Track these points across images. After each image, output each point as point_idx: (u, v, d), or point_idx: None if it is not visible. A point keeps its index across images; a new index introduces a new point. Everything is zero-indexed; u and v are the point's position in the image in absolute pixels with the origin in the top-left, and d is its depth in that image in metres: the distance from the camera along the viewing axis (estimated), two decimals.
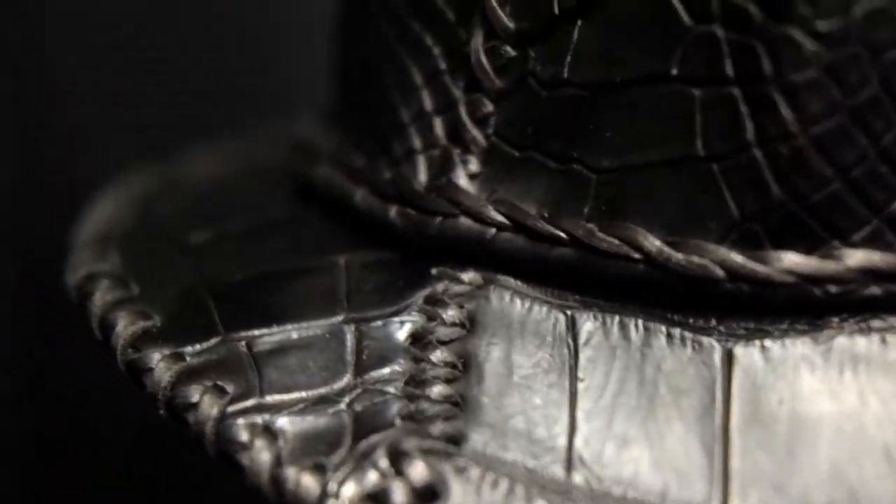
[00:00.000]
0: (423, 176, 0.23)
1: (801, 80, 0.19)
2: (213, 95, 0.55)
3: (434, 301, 0.22)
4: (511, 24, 0.22)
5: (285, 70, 0.54)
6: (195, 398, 0.21)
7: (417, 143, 0.23)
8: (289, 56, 0.53)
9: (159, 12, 0.53)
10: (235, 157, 0.32)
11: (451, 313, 0.22)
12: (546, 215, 0.21)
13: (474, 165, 0.22)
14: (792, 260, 0.20)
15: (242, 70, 0.55)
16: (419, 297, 0.22)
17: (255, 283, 0.23)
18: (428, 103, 0.23)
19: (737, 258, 0.20)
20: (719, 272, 0.20)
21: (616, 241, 0.21)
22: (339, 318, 0.22)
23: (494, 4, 0.22)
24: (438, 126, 0.23)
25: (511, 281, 0.22)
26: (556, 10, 0.21)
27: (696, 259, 0.20)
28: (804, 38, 0.19)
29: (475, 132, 0.22)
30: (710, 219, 0.20)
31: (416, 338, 0.21)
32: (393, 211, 0.23)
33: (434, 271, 0.22)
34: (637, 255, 0.20)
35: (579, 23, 0.21)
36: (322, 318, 0.22)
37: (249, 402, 0.21)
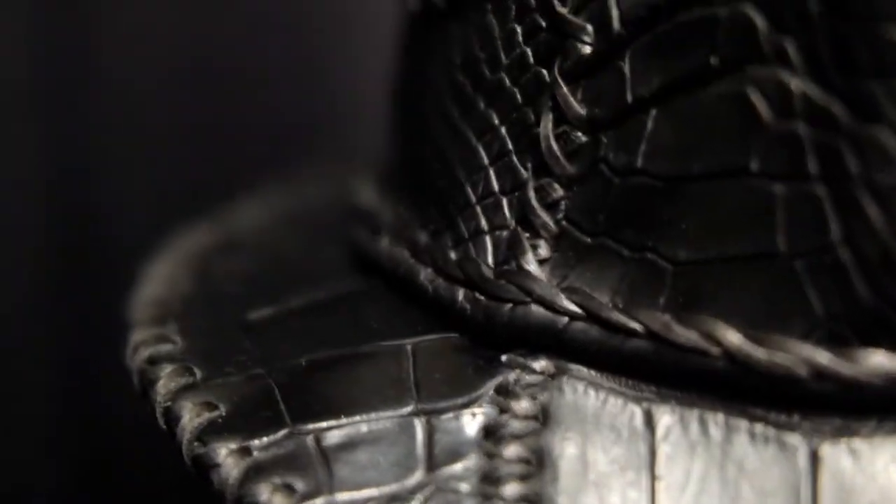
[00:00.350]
0: (490, 258, 0.23)
1: (890, 182, 0.19)
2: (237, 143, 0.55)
3: (506, 392, 0.21)
4: (583, 111, 0.21)
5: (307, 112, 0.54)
6: (264, 497, 0.20)
7: (484, 223, 0.23)
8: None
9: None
10: (284, 205, 0.32)
11: (523, 405, 0.21)
12: (620, 305, 0.21)
13: (544, 251, 0.22)
14: (880, 360, 0.19)
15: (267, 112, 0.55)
16: (490, 386, 0.22)
17: (320, 369, 0.23)
18: (495, 183, 0.23)
19: (822, 357, 0.19)
20: (804, 371, 0.19)
21: (694, 336, 0.20)
22: (409, 409, 0.22)
23: (565, 90, 0.21)
24: (506, 207, 0.23)
25: (584, 371, 0.21)
26: (630, 99, 0.21)
27: (778, 357, 0.20)
28: (892, 140, 0.18)
29: (545, 217, 0.22)
30: (792, 315, 0.20)
31: (489, 431, 0.21)
32: (460, 294, 0.23)
33: (504, 358, 0.22)
34: (716, 351, 0.20)
35: (653, 112, 0.21)
36: (391, 409, 0.22)
37: (319, 501, 0.20)
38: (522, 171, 0.22)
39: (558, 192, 0.22)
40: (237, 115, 0.57)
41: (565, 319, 0.21)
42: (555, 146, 0.22)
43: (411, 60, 0.26)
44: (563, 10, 0.21)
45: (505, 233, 0.22)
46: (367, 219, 0.26)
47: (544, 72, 0.22)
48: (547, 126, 0.22)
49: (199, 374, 0.23)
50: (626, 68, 0.21)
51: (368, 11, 0.54)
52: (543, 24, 0.22)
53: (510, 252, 0.22)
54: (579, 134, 0.21)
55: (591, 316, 0.21)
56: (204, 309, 0.26)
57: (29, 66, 0.54)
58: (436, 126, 0.25)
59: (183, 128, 0.57)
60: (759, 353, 0.20)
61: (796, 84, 0.19)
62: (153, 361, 0.23)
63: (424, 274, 0.24)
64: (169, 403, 0.22)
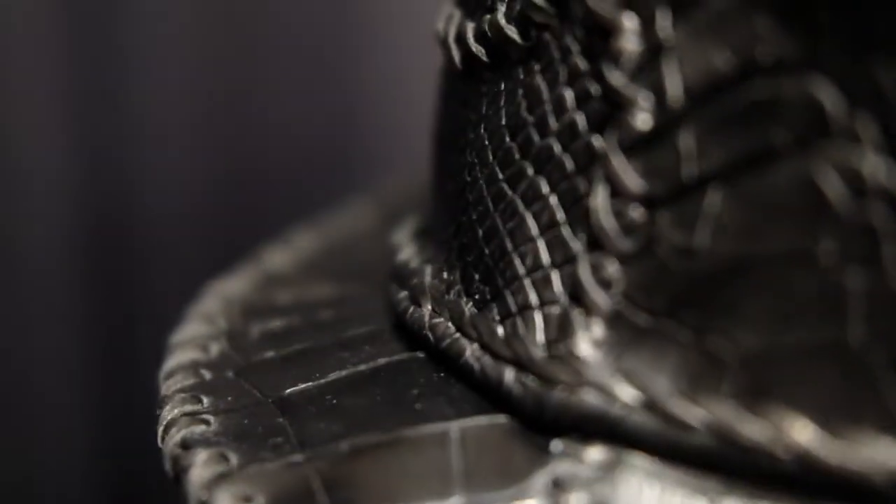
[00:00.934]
0: (540, 336, 0.21)
1: None
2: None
3: (558, 484, 0.20)
4: (639, 185, 0.20)
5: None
6: None
7: (533, 298, 0.22)
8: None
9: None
10: (320, 248, 0.31)
11: (577, 499, 0.20)
12: (680, 393, 0.20)
13: (598, 331, 0.21)
14: None
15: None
16: (541, 477, 0.20)
17: (362, 456, 0.22)
18: (545, 256, 0.22)
19: None
20: (879, 474, 0.18)
21: (761, 432, 0.19)
22: (456, 500, 0.20)
23: (620, 162, 0.20)
24: (557, 283, 0.21)
25: (642, 461, 0.20)
26: (689, 175, 0.20)
27: (852, 457, 0.18)
28: None
29: (599, 295, 0.21)
30: (865, 410, 0.19)
31: None
32: (508, 375, 0.21)
33: (556, 447, 0.21)
34: (785, 450, 0.19)
35: (714, 189, 0.19)
36: (438, 500, 0.20)
37: None
38: (574, 244, 0.21)
39: (613, 269, 0.21)
40: (267, 134, 0.56)
41: (621, 407, 0.20)
42: (609, 220, 0.20)
43: (453, 114, 0.25)
44: (619, 77, 0.20)
45: (555, 310, 0.21)
46: (406, 280, 0.25)
47: (597, 141, 0.21)
48: (600, 199, 0.21)
49: (234, 459, 0.22)
50: (685, 142, 0.20)
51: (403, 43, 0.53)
52: (596, 90, 0.21)
53: (561, 331, 0.21)
54: (635, 208, 0.20)
55: (649, 405, 0.20)
56: (238, 379, 0.25)
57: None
58: (480, 188, 0.23)
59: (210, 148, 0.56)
60: (830, 453, 0.18)
61: (869, 165, 0.18)
62: (186, 446, 0.22)
63: (470, 350, 0.22)
64: (205, 497, 0.21)
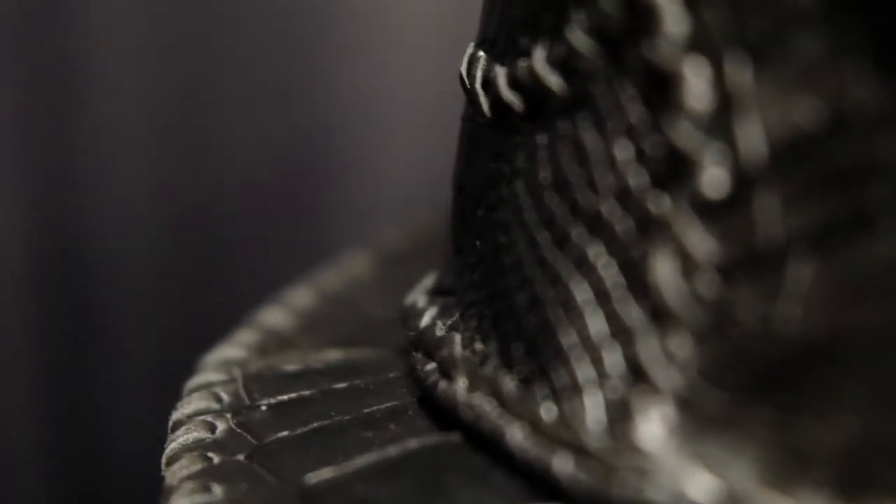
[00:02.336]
0: (595, 417, 0.19)
1: None
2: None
3: None
4: (711, 252, 0.18)
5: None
6: None
7: (587, 375, 0.20)
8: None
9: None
10: (321, 312, 0.29)
11: None
12: (766, 484, 0.18)
13: (665, 414, 0.19)
14: None
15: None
16: None
17: None
18: (599, 329, 0.19)
19: None
20: None
21: None
22: None
23: (690, 227, 0.18)
24: (614, 359, 0.19)
25: None
26: (769, 242, 0.17)
27: None
28: None
29: (665, 374, 0.19)
30: None
31: None
32: (559, 462, 0.19)
33: None
34: None
35: (799, 258, 0.17)
36: None
37: None
38: (634, 316, 0.19)
39: (682, 344, 0.18)
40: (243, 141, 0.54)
41: (695, 500, 0.18)
42: (677, 290, 0.18)
43: (481, 166, 0.23)
44: (685, 134, 0.18)
45: (613, 389, 0.19)
46: (432, 350, 0.23)
47: (661, 202, 0.19)
48: (666, 266, 0.18)
49: None
50: (767, 206, 0.18)
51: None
52: (658, 146, 0.19)
53: (621, 413, 0.19)
54: (707, 278, 0.18)
55: (730, 497, 0.18)
56: (251, 463, 0.22)
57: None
58: (518, 252, 0.21)
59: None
60: None
61: None
62: None
63: (514, 434, 0.20)
64: None
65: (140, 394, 0.56)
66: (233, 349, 0.27)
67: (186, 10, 0.55)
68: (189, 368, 0.26)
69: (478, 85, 0.22)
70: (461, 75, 0.23)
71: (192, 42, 0.55)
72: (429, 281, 0.26)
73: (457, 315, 0.23)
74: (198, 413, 0.24)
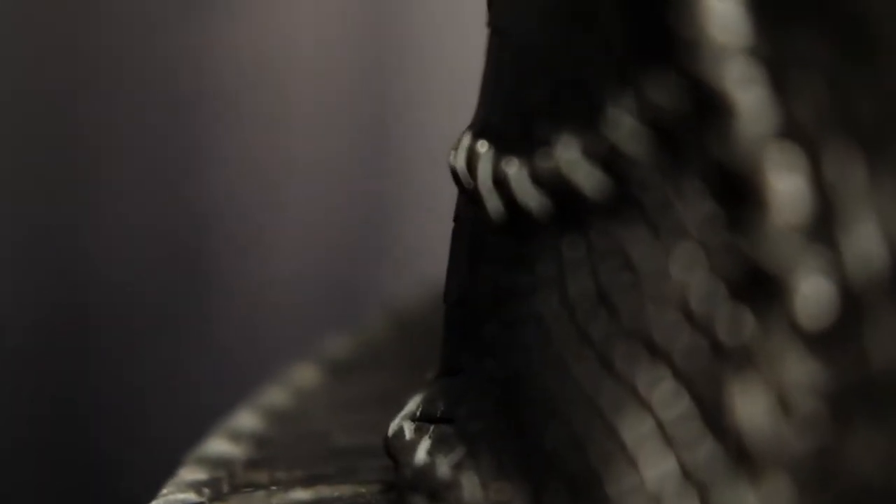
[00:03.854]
0: None
1: None
2: None
3: None
4: (812, 383, 0.15)
5: None
6: None
7: None
8: None
9: None
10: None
11: None
12: None
13: None
14: None
15: None
16: None
17: None
18: (656, 473, 0.16)
19: None
20: None
21: None
22: None
23: (788, 349, 0.15)
24: None
25: None
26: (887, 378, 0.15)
27: None
28: None
29: None
30: None
31: None
32: None
33: None
34: None
35: None
36: None
37: None
38: (705, 458, 0.16)
39: (776, 495, 0.15)
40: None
41: None
42: (769, 427, 0.15)
43: (489, 277, 0.20)
44: (776, 244, 0.15)
45: None
46: (439, 492, 0.20)
47: (743, 319, 0.16)
48: (755, 397, 0.16)
49: None
50: (885, 328, 0.15)
51: None
52: (740, 255, 0.16)
53: None
54: (811, 413, 0.15)
55: None
56: None
57: None
58: (548, 377, 0.18)
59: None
60: None
61: None
62: None
63: None
64: None
65: None
66: (179, 493, 0.23)
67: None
68: None
69: (483, 184, 0.19)
70: (454, 171, 0.20)
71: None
72: (413, 405, 0.22)
73: (461, 450, 0.20)
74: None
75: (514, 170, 0.19)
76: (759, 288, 0.15)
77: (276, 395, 0.27)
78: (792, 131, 0.15)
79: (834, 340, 0.15)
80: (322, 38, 0.52)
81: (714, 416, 0.16)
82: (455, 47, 0.49)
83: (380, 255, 0.52)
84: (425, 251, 0.49)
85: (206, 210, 0.52)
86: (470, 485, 0.19)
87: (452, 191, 0.21)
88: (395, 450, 0.21)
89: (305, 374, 0.28)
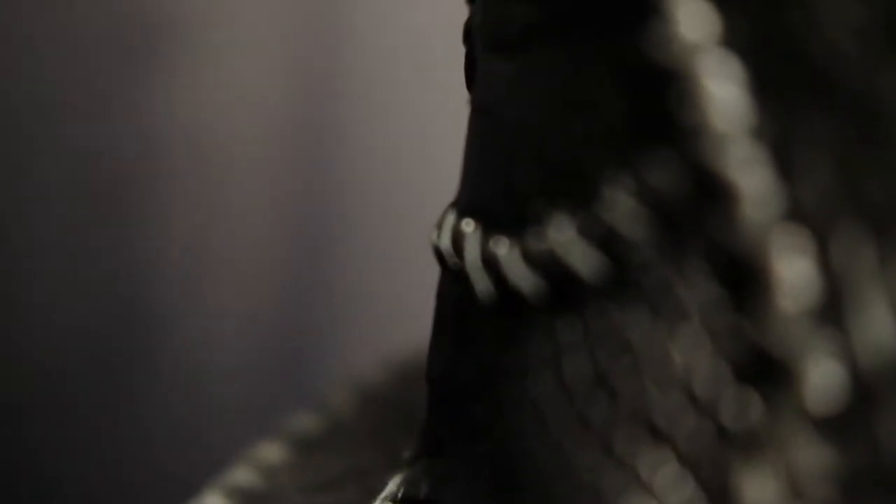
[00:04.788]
0: None
1: None
2: None
3: None
4: (824, 469, 0.15)
5: None
6: None
7: None
8: None
9: None
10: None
11: None
12: None
13: None
14: None
15: None
16: None
17: None
18: None
19: None
20: None
21: None
22: None
23: (798, 433, 0.15)
24: None
25: None
26: None
27: None
28: None
29: None
30: None
31: None
32: None
33: None
34: None
35: None
36: None
37: None
38: None
39: None
40: None
41: None
42: None
43: (476, 358, 0.19)
44: (783, 330, 0.15)
45: None
46: None
47: (750, 402, 0.16)
48: (764, 483, 0.15)
49: None
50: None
51: None
52: (745, 340, 0.16)
53: None
54: (824, 499, 0.15)
55: None
56: None
57: None
58: (544, 462, 0.18)
59: None
60: None
61: None
62: None
63: None
64: None
65: None
66: None
67: None
68: None
69: (472, 265, 0.19)
70: (438, 251, 0.20)
71: None
72: (393, 486, 0.22)
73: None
74: None
75: (505, 250, 0.18)
76: (767, 372, 0.15)
77: (242, 475, 0.26)
78: (798, 213, 0.15)
79: (844, 425, 0.15)
80: (258, 99, 0.52)
81: (721, 502, 0.16)
82: (398, 105, 0.48)
83: (326, 323, 0.52)
84: (377, 317, 0.49)
85: (145, 273, 0.52)
86: None
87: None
88: None
89: (271, 453, 0.28)
